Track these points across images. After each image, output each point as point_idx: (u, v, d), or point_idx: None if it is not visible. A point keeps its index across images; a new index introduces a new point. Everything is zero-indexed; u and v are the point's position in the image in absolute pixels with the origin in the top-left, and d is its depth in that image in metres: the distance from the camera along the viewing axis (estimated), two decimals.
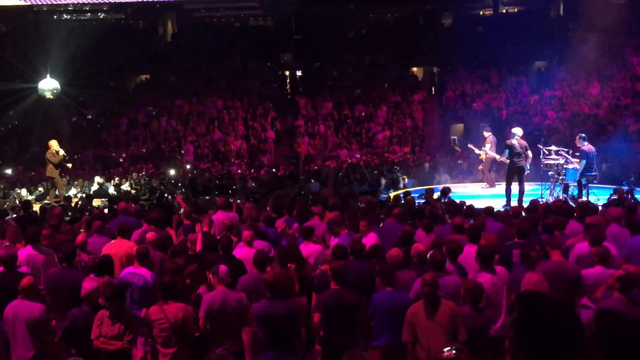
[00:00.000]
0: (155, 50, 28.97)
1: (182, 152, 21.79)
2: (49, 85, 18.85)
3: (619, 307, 5.04)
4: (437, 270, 5.79)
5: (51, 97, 19.11)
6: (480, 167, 16.40)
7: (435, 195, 11.81)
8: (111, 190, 16.41)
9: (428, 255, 6.10)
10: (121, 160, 21.11)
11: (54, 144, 15.00)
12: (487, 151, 15.48)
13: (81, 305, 5.71)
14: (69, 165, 16.02)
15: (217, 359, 3.20)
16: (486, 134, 16.17)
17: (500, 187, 14.48)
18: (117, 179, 17.78)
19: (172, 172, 18.53)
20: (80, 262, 7.15)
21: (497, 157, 14.96)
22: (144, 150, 22.00)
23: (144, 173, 18.42)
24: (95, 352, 5.47)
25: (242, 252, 7.23)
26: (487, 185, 15.94)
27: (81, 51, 21.78)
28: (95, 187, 16.72)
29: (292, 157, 19.40)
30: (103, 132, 23.45)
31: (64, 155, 14.99)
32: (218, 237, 7.65)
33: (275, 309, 5.39)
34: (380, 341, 5.63)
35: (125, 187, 16.60)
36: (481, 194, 14.99)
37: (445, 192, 11.48)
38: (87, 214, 10.77)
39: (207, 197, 14.41)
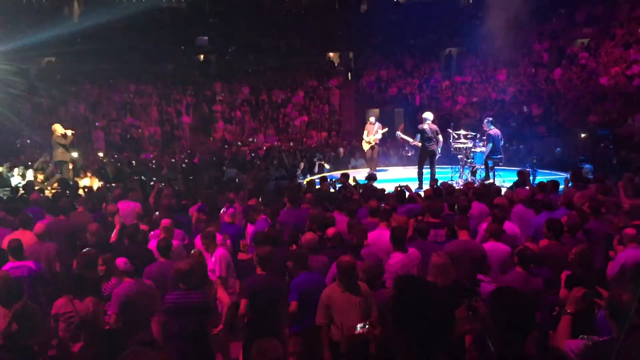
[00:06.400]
0: (60, 31, 27.41)
1: (93, 139, 20.86)
2: None
3: (520, 281, 5.35)
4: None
5: None
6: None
7: (351, 181, 11.95)
8: (15, 180, 15.46)
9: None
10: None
11: (58, 128, 14.38)
12: (402, 135, 15.82)
13: None
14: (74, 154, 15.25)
15: (134, 354, 3.01)
16: (372, 119, 16.69)
17: (411, 171, 14.92)
18: (21, 167, 16.75)
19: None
20: None
21: (411, 140, 15.34)
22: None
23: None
24: None
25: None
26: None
27: None
28: None
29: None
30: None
31: (72, 134, 14.36)
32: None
33: (189, 299, 5.28)
34: (304, 324, 5.58)
35: (29, 176, 15.70)
36: (394, 178, 15.32)
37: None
38: None
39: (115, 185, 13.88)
